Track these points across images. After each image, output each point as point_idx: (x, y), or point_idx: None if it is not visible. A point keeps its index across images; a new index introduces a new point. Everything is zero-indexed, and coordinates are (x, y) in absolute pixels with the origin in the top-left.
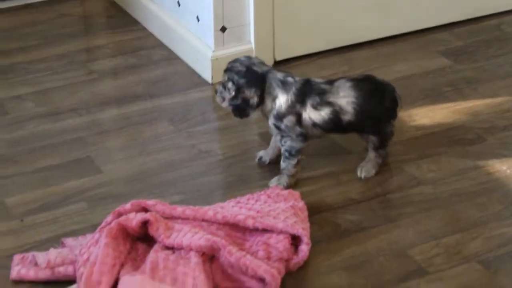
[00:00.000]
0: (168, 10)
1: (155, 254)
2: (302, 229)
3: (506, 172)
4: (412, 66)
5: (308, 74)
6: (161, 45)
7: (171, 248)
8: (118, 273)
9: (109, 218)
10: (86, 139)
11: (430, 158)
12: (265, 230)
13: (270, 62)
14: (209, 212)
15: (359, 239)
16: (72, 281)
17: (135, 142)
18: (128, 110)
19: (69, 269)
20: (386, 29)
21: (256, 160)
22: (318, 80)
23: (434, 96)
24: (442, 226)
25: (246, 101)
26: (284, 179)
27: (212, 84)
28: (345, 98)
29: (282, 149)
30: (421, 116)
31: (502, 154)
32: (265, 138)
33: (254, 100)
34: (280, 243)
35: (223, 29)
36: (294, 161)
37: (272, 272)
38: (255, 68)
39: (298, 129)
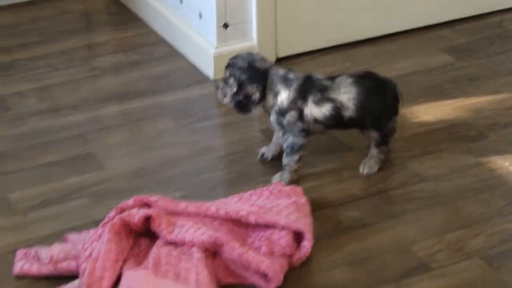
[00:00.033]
0: (171, 7)
1: (158, 250)
2: (305, 225)
3: (509, 168)
4: (414, 63)
5: (310, 71)
6: (163, 42)
7: (173, 244)
8: (121, 268)
9: (111, 213)
10: (88, 136)
11: (432, 155)
12: (267, 226)
13: (272, 59)
14: (212, 208)
15: (361, 236)
16: (75, 276)
17: (137, 138)
18: (130, 106)
19: (72, 265)
20: (388, 26)
21: (259, 156)
22: (320, 76)
23: (436, 93)
24: (445, 223)
25: (248, 97)
26: (286, 175)
27: (214, 80)
28: (346, 94)
29: (284, 145)
30: (423, 112)
31: (504, 151)
32: (267, 135)
33: (256, 96)
34: (283, 239)
35: (226, 26)
36: (296, 157)
37: (274, 268)
38: (256, 64)
39: (300, 124)
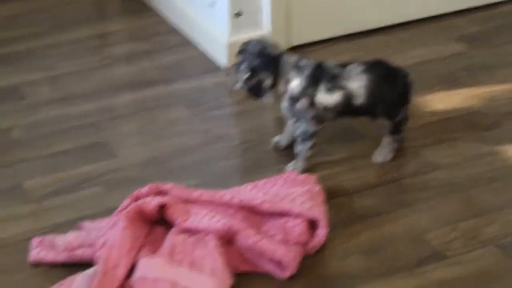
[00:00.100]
0: None
1: (173, 238)
2: (319, 213)
3: None
4: (427, 52)
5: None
6: (175, 31)
7: (188, 232)
8: (136, 256)
9: (126, 202)
10: (101, 124)
11: (446, 143)
12: (282, 214)
13: (285, 47)
14: (226, 196)
15: (375, 224)
16: (90, 264)
17: (150, 127)
18: (143, 95)
19: (87, 252)
20: (401, 15)
21: (272, 145)
22: (331, 63)
23: (450, 82)
24: (458, 211)
25: (259, 83)
26: (299, 164)
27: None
28: (357, 82)
29: (296, 133)
30: (437, 101)
31: None
32: (281, 123)
33: (268, 82)
34: (297, 227)
35: (239, 15)
36: (308, 144)
37: (289, 256)
38: (268, 50)
39: (311, 112)
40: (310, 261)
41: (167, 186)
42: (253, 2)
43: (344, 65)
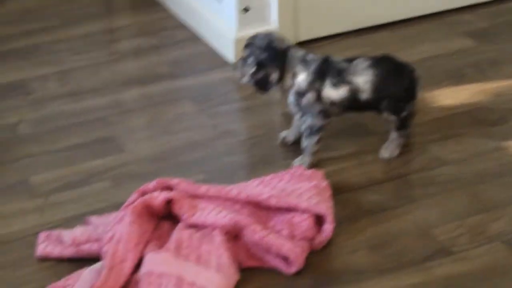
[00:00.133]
0: None
1: (180, 232)
2: (326, 208)
3: None
4: (435, 47)
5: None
6: (183, 26)
7: (195, 227)
8: (143, 251)
9: (133, 196)
10: (109, 119)
11: (453, 139)
12: (288, 209)
13: (293, 43)
14: (233, 191)
15: (382, 219)
16: (97, 258)
17: (157, 121)
18: (151, 90)
19: (94, 247)
20: (409, 10)
21: (279, 140)
22: (337, 58)
23: (457, 77)
24: (466, 207)
25: (266, 76)
26: (306, 159)
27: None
28: (363, 77)
29: (303, 127)
30: (444, 96)
31: None
32: (288, 118)
33: (275, 75)
34: (304, 222)
35: (246, 10)
36: (315, 139)
37: (296, 251)
38: (275, 43)
39: (318, 106)
40: (317, 256)
41: (174, 181)
42: None
43: (350, 60)
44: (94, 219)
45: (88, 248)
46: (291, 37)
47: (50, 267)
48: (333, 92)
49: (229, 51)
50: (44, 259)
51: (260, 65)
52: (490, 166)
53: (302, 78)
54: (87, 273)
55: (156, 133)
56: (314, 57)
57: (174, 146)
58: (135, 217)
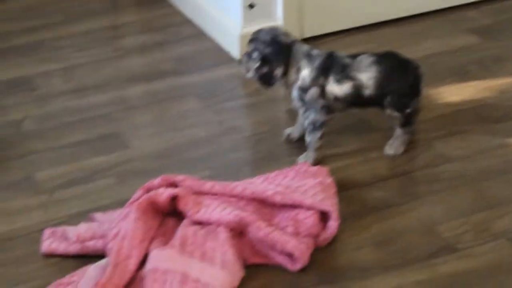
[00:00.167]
0: None
1: (184, 229)
2: (331, 205)
3: None
4: (439, 44)
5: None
6: (189, 22)
7: (200, 223)
8: (148, 247)
9: (138, 193)
10: (114, 115)
11: (458, 136)
12: (293, 206)
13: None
14: (238, 188)
15: (387, 216)
16: (102, 255)
17: (162, 118)
18: (156, 86)
19: (99, 243)
20: (413, 7)
21: (284, 137)
22: (342, 54)
23: (462, 74)
24: (470, 203)
25: (271, 70)
26: (310, 155)
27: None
28: (366, 73)
29: (306, 123)
30: (449, 93)
31: None
32: (293, 115)
33: (280, 69)
34: (309, 219)
35: (251, 6)
36: (318, 134)
37: (300, 248)
38: (280, 38)
39: (321, 101)
40: (321, 253)
41: (179, 177)
42: None
43: (355, 56)
44: (98, 216)
45: (93, 245)
46: (296, 33)
47: (55, 264)
48: (336, 88)
49: (235, 48)
50: (49, 255)
51: (264, 60)
52: (495, 163)
53: (306, 73)
54: (92, 270)
55: (160, 130)
56: (319, 52)
57: (179, 142)
58: (140, 214)
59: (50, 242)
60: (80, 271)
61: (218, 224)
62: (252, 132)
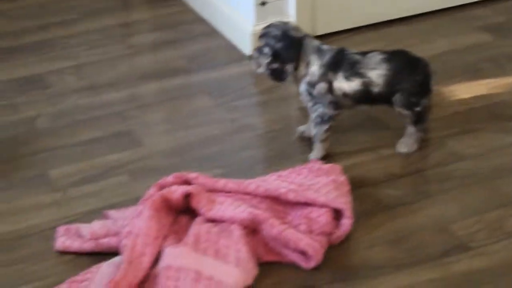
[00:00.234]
0: None
1: (198, 227)
2: (344, 203)
3: None
4: (451, 41)
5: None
6: (201, 20)
7: (213, 221)
8: (161, 245)
9: (151, 190)
10: (126, 113)
11: (471, 134)
12: (306, 204)
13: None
14: (251, 186)
15: (400, 214)
16: (116, 253)
17: (175, 116)
18: (168, 84)
19: (113, 241)
20: (426, 5)
21: (297, 134)
22: (352, 50)
23: (475, 72)
24: (483, 202)
25: (282, 65)
26: (317, 146)
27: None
28: (376, 71)
29: (314, 115)
30: (461, 91)
31: None
32: (306, 113)
33: (291, 64)
34: (322, 217)
35: (263, 3)
36: (325, 127)
37: (314, 246)
38: (291, 33)
39: (329, 96)
40: (334, 251)
41: (192, 175)
42: None
43: (365, 53)
44: (112, 213)
45: (107, 242)
46: (308, 30)
47: (69, 261)
48: (345, 84)
49: (247, 45)
50: (63, 253)
51: (275, 55)
52: (508, 161)
53: (315, 68)
54: (105, 267)
55: (173, 128)
56: (329, 47)
57: (191, 140)
58: (153, 212)
59: (64, 240)
60: (94, 269)
61: (232, 222)
62: (265, 130)
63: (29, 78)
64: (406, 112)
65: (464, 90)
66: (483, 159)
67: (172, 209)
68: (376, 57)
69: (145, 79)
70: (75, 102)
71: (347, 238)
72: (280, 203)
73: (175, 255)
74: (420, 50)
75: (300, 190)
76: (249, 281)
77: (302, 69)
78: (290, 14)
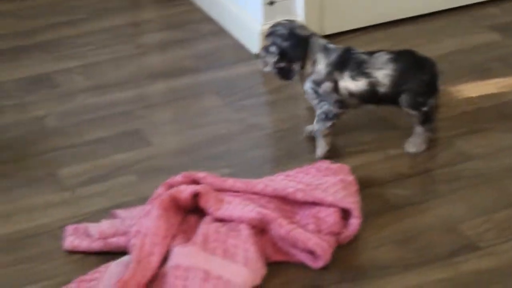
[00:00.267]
0: None
1: (206, 226)
2: (352, 202)
3: None
4: (460, 41)
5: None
6: (209, 19)
7: (221, 220)
8: (170, 244)
9: (159, 190)
10: (134, 112)
11: (479, 133)
12: (314, 204)
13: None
14: (259, 185)
15: (408, 214)
16: (124, 252)
17: (183, 115)
18: (176, 83)
19: (121, 240)
20: (434, 4)
21: (305, 134)
22: (359, 50)
23: (483, 71)
24: (492, 202)
25: (289, 64)
26: (320, 144)
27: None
28: (382, 71)
29: (318, 112)
30: (470, 91)
31: None
32: (314, 112)
33: (298, 63)
34: (330, 217)
35: (272, 3)
36: (328, 124)
37: (322, 245)
38: (298, 31)
39: (335, 95)
40: (343, 251)
41: (201, 174)
42: None
43: (372, 53)
44: (120, 212)
45: (116, 241)
46: (316, 30)
47: (77, 261)
48: (351, 84)
49: (255, 44)
50: (72, 252)
51: (282, 54)
52: None
53: (321, 67)
54: (114, 266)
55: (181, 127)
56: (336, 47)
57: (200, 140)
58: (162, 211)
59: (72, 239)
60: (102, 268)
61: (240, 221)
62: (273, 130)
63: (37, 78)
64: (413, 112)
65: (472, 90)
66: (492, 159)
67: (181, 209)
68: (383, 57)
69: (153, 79)
70: (83, 102)
71: (355, 238)
72: (288, 203)
73: (184, 255)
74: (427, 50)
75: (308, 190)
76: (258, 280)
77: (308, 68)
78: (298, 13)
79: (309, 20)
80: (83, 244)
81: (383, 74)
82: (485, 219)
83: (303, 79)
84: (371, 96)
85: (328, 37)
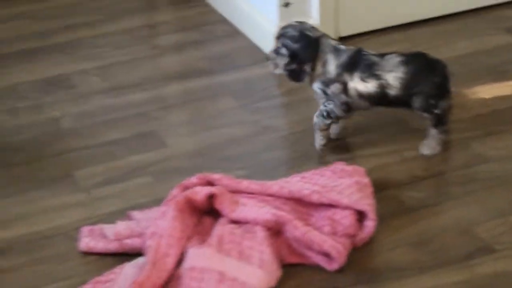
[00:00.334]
0: None
1: (221, 228)
2: (368, 205)
3: None
4: (476, 43)
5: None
6: (224, 21)
7: (236, 222)
8: (185, 246)
9: (175, 191)
10: (150, 114)
11: (495, 136)
12: (330, 206)
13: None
14: (275, 187)
15: (423, 216)
16: (140, 253)
17: (198, 117)
18: (192, 85)
19: (137, 242)
20: (449, 6)
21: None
22: (370, 51)
23: (499, 73)
24: (508, 204)
25: (300, 66)
26: (317, 137)
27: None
28: (393, 73)
29: (321, 108)
30: (486, 93)
31: None
32: None
33: (309, 65)
34: (346, 219)
35: (287, 4)
36: (327, 122)
37: (338, 247)
38: (308, 32)
39: (343, 97)
40: (358, 253)
41: (216, 176)
42: None
43: (383, 55)
44: (136, 214)
45: (131, 243)
46: (331, 32)
47: (93, 262)
48: (360, 85)
49: (270, 46)
50: (87, 253)
51: (293, 56)
52: None
53: (331, 67)
54: (129, 268)
55: (196, 129)
56: (346, 48)
57: (215, 141)
58: (177, 212)
59: (88, 240)
60: (117, 269)
61: (255, 223)
62: (288, 132)
63: (54, 79)
64: (425, 114)
65: (487, 92)
66: (507, 161)
67: (196, 210)
68: (394, 59)
69: (169, 80)
70: (99, 103)
71: (371, 240)
72: (303, 205)
73: (199, 256)
74: (444, 51)
75: (323, 192)
76: (273, 282)
77: (318, 69)
78: (313, 15)
79: (324, 22)
80: (99, 245)
81: (393, 76)
82: (500, 221)
83: (312, 80)
84: (381, 98)
85: (342, 39)
